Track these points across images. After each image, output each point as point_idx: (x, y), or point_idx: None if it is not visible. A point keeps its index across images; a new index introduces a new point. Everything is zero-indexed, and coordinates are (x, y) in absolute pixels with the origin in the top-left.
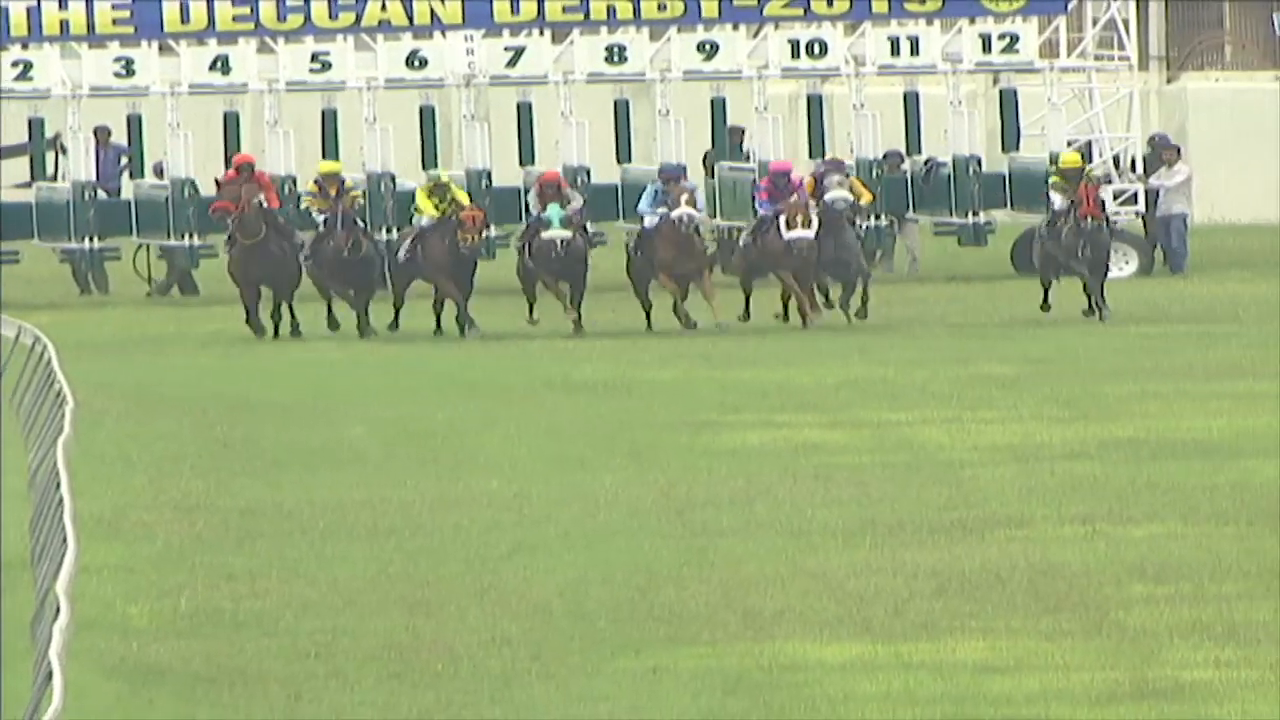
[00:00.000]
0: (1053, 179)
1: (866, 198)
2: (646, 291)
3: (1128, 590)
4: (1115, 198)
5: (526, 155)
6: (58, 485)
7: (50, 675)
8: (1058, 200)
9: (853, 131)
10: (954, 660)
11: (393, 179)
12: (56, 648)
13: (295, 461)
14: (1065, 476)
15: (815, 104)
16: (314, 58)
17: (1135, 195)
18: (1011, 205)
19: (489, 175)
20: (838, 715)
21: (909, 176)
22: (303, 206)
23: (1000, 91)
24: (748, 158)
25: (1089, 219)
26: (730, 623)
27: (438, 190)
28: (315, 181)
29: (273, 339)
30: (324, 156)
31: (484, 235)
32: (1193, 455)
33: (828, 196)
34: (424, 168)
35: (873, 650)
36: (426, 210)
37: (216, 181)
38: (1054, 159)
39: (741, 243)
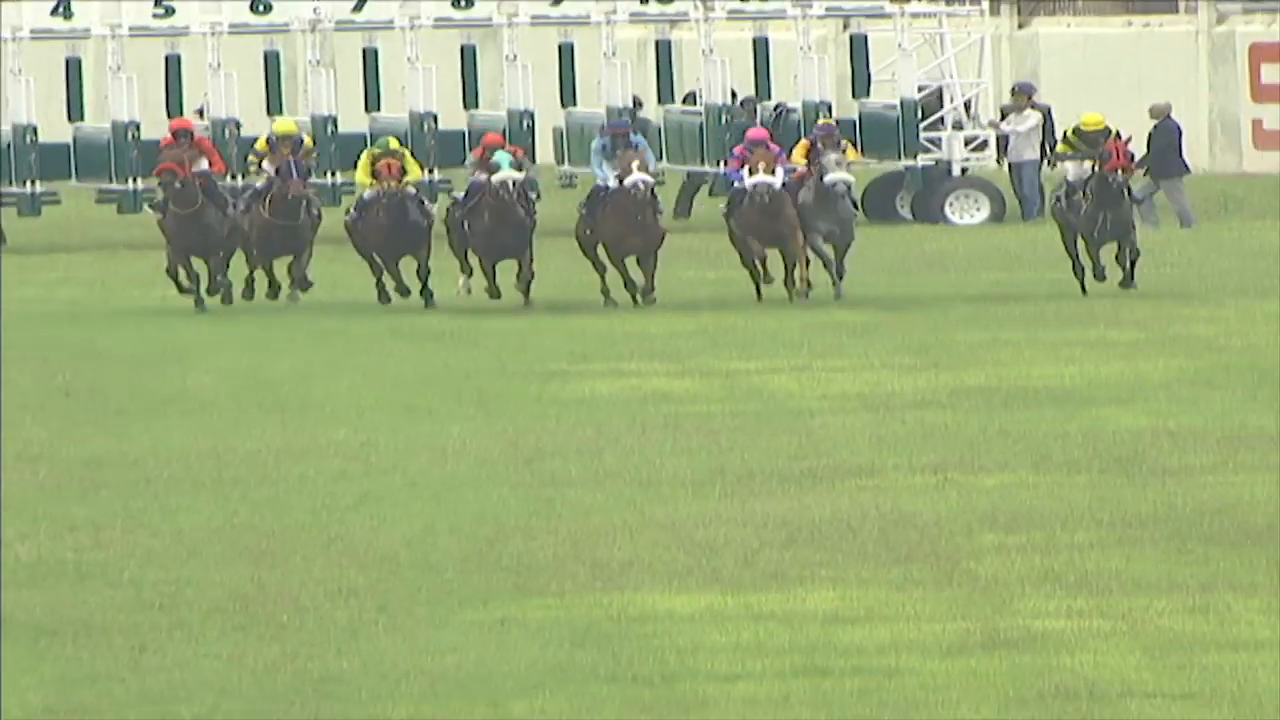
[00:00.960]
0: (1060, 147)
1: (854, 157)
2: (611, 261)
3: (979, 540)
4: (967, 144)
5: (372, 101)
6: None
7: None
8: (1071, 169)
9: (701, 77)
10: (804, 610)
11: (237, 125)
12: None
13: (141, 410)
14: (916, 425)
15: (664, 49)
16: (158, 2)
17: (985, 142)
18: (863, 151)
19: (334, 121)
20: (686, 666)
21: (759, 122)
22: (249, 163)
23: (850, 37)
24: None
25: (1118, 173)
26: (579, 573)
27: (389, 159)
28: (267, 140)
29: (204, 309)
30: (168, 102)
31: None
32: (1044, 403)
33: (828, 179)
34: (269, 113)
35: (722, 601)
36: (363, 179)
37: (158, 146)
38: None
39: (723, 215)
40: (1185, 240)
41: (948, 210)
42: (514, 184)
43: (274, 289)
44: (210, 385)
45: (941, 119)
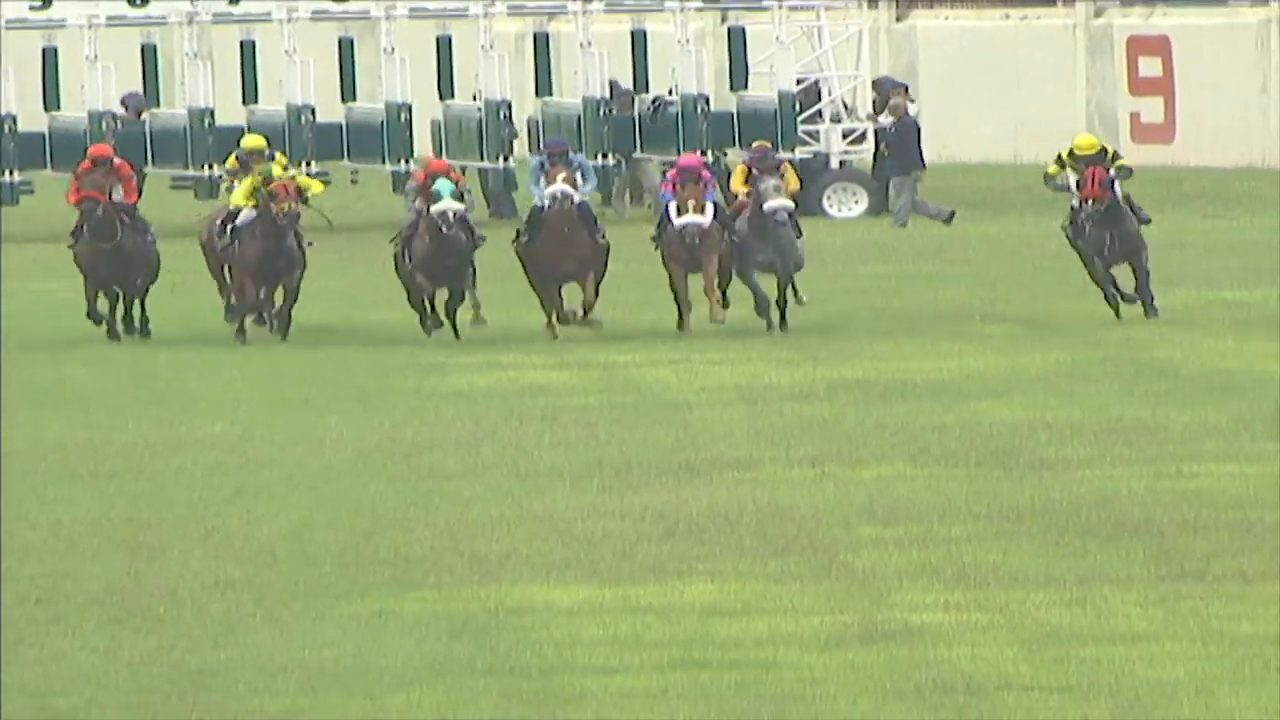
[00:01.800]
0: (1051, 168)
1: (795, 186)
2: (545, 287)
3: (856, 532)
4: (845, 137)
5: (250, 94)
6: None
7: None
8: (1075, 193)
9: (579, 70)
10: (682, 603)
11: (114, 117)
12: None
13: (18, 401)
14: (794, 418)
15: (542, 42)
16: None
17: (864, 135)
18: (740, 144)
19: (212, 114)
20: (564, 659)
21: (636, 115)
22: (222, 186)
23: (728, 29)
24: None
25: (1091, 203)
26: (456, 566)
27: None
28: (237, 157)
29: (118, 341)
30: (44, 94)
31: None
32: (922, 396)
33: (767, 206)
34: (145, 106)
35: (600, 593)
36: (241, 200)
37: (74, 175)
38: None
39: (652, 238)
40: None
41: (826, 203)
42: (454, 214)
43: (263, 319)
44: (88, 377)
45: (819, 112)
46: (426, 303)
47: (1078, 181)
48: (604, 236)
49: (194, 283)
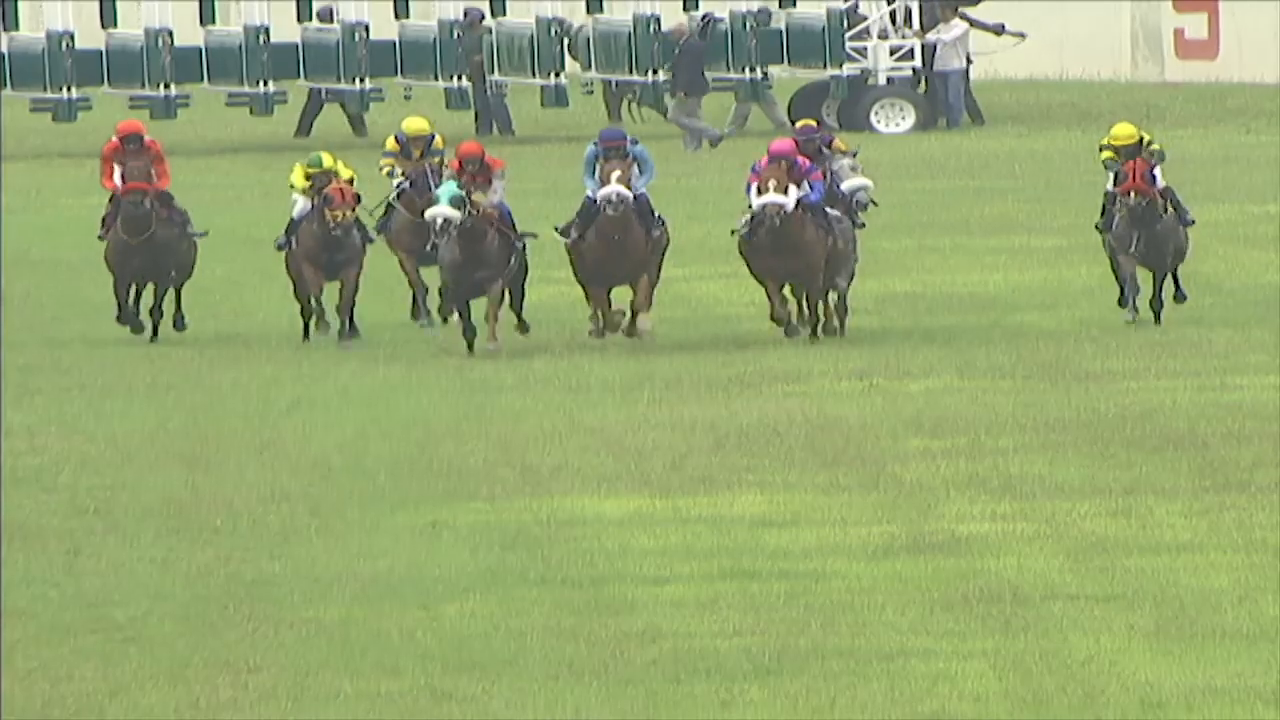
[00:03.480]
0: (1104, 155)
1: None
2: (593, 289)
3: (904, 444)
4: (892, 53)
5: (109, 18)
6: None
7: None
8: (1111, 181)
9: None
10: (732, 514)
11: (170, 34)
12: None
13: (75, 318)
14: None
15: None
16: None
17: (912, 51)
18: (788, 60)
19: (72, 37)
20: (615, 569)
21: (687, 35)
22: (381, 169)
23: None
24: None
25: (1132, 195)
26: (508, 478)
27: (320, 180)
28: (397, 139)
29: (154, 339)
30: (101, 12)
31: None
32: (969, 310)
33: (845, 186)
34: (201, 23)
35: (650, 504)
36: (299, 181)
37: (104, 155)
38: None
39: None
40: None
41: (873, 119)
42: (442, 222)
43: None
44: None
45: (867, 28)
46: (460, 309)
47: (1117, 174)
48: (662, 229)
49: (238, 201)
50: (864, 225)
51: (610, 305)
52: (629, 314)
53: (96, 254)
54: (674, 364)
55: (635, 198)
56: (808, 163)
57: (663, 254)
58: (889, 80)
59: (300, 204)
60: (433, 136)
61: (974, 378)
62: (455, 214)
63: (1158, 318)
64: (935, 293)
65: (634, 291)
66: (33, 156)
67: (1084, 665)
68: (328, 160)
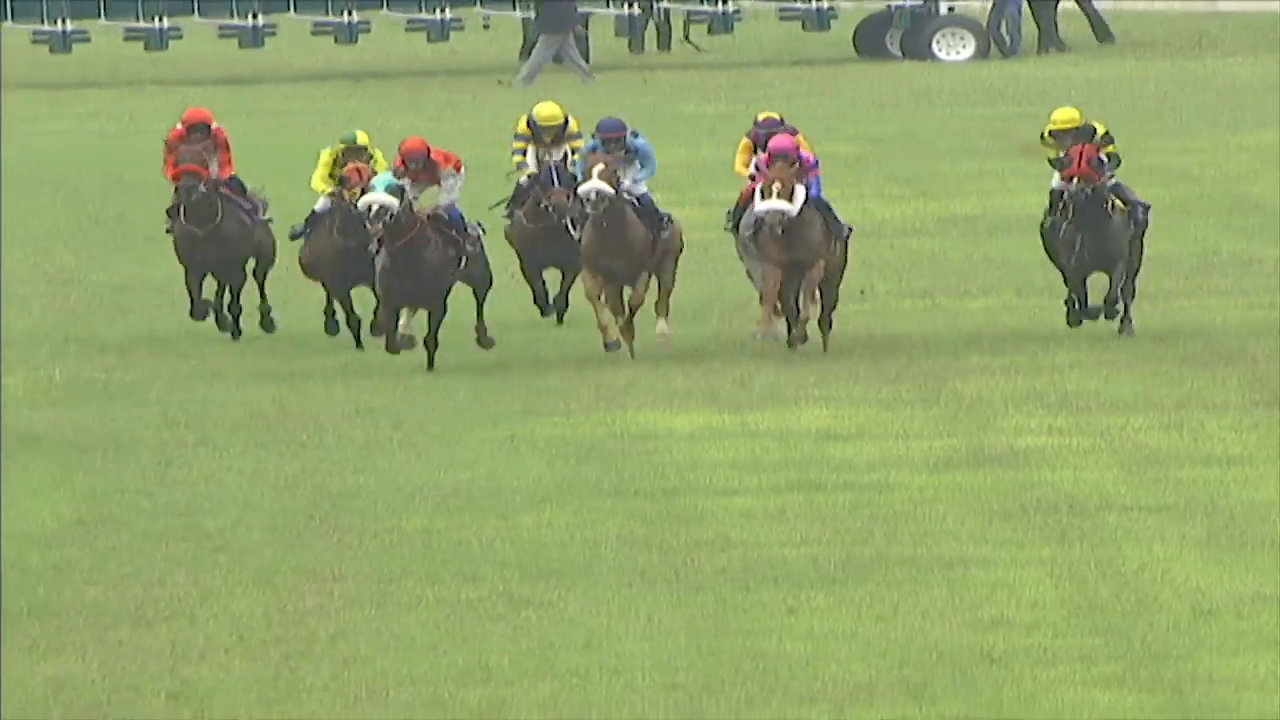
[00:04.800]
0: (1049, 153)
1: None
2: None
3: (965, 360)
4: None
5: None
6: None
7: None
8: (1055, 177)
9: None
10: (798, 428)
11: None
12: None
13: (166, 238)
14: (905, 251)
15: None
16: None
17: None
18: None
19: None
20: (686, 481)
21: None
22: (513, 159)
23: None
24: None
25: (1076, 183)
26: (583, 394)
27: (354, 157)
28: (529, 123)
29: (237, 337)
30: None
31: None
32: (1028, 231)
33: (759, 209)
34: None
35: (720, 419)
36: (319, 186)
37: (167, 143)
38: None
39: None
40: (1155, 75)
41: (935, 47)
42: (376, 209)
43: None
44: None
45: None
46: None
47: (1060, 160)
48: (671, 230)
49: (323, 126)
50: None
51: (615, 307)
52: (628, 309)
53: None
54: (742, 284)
55: (639, 198)
56: (811, 157)
57: (676, 256)
58: (950, 9)
59: (321, 202)
60: (566, 122)
61: (1031, 296)
62: (392, 201)
63: (1111, 313)
64: (994, 215)
65: (632, 289)
66: (125, 84)
67: (1137, 573)
68: (363, 138)
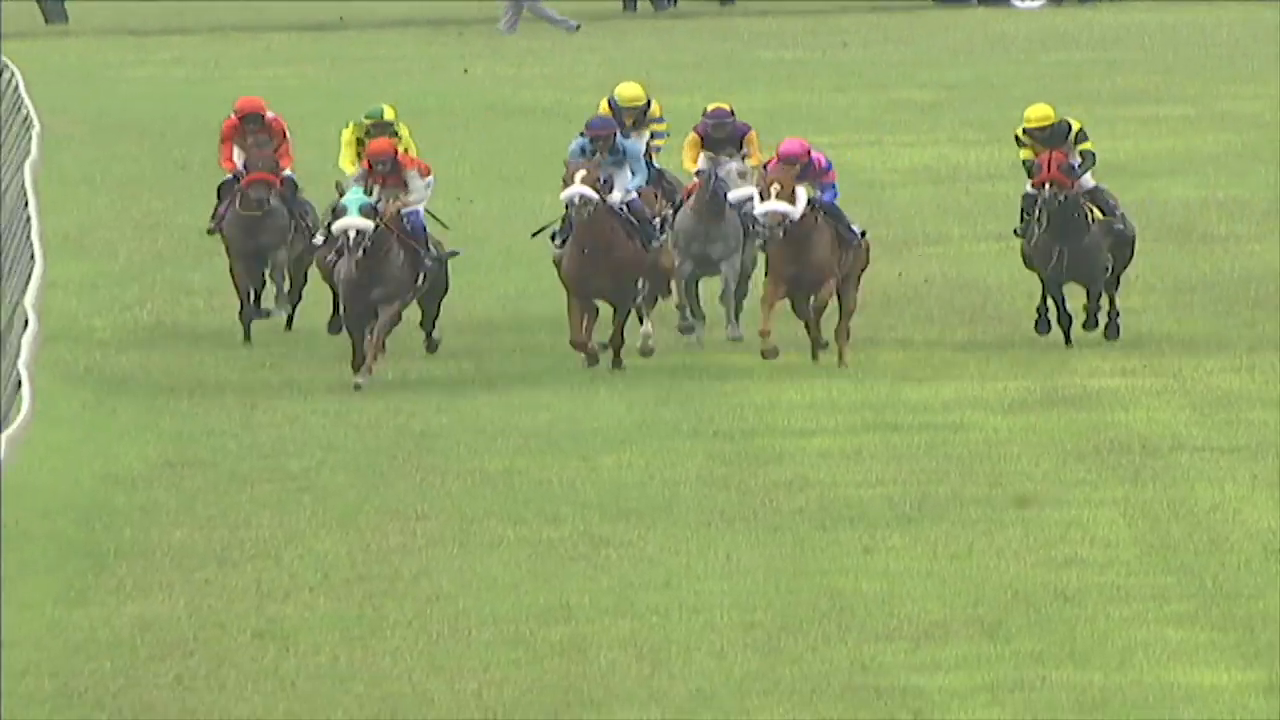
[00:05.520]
0: (1023, 156)
1: (757, 160)
2: (575, 302)
3: (1039, 302)
4: None
5: None
6: (25, 205)
7: (19, 384)
8: (1028, 182)
9: None
10: (874, 369)
11: None
12: (25, 358)
13: None
14: (980, 196)
15: None
16: None
17: None
18: None
19: None
20: (764, 422)
21: None
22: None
23: None
24: None
25: (1047, 189)
26: (663, 336)
27: (379, 134)
28: (610, 104)
29: (286, 327)
30: None
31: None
32: (1102, 175)
33: (733, 196)
34: None
35: (798, 360)
36: (348, 167)
37: (223, 135)
38: None
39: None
40: (1228, 22)
41: None
42: (355, 235)
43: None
44: (316, 158)
45: None
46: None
47: (1029, 166)
48: (662, 242)
49: (406, 74)
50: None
51: (591, 323)
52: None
53: None
54: None
55: (628, 204)
56: (823, 160)
57: (661, 270)
58: None
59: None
60: (648, 104)
61: None
62: (367, 224)
63: (1092, 324)
64: None
65: (614, 310)
66: (210, 30)
67: (1209, 513)
68: (389, 113)
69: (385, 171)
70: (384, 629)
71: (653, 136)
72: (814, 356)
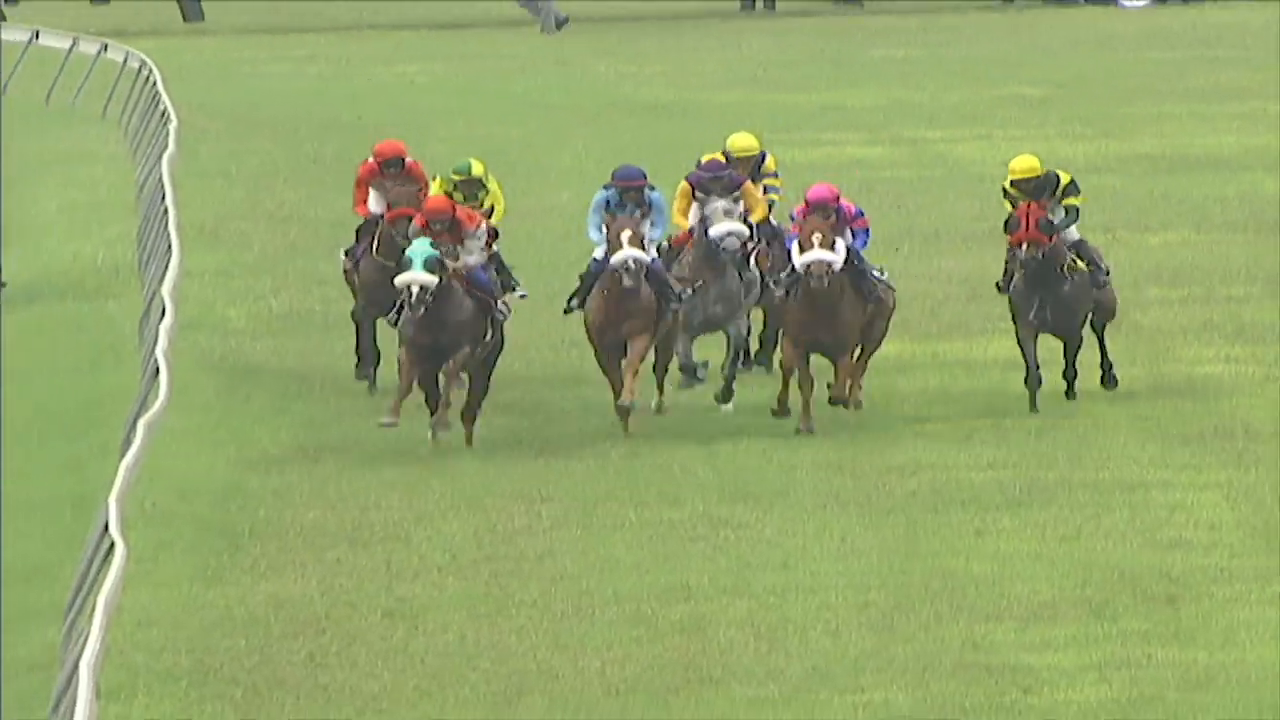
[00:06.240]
0: (1007, 205)
1: (760, 214)
2: (604, 355)
3: (1145, 293)
4: None
5: None
6: (163, 197)
7: (157, 371)
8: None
9: None
10: (985, 358)
11: None
12: (162, 346)
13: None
14: (1087, 188)
15: None
16: None
17: None
18: None
19: None
20: (878, 408)
21: None
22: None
23: None
24: None
25: (1025, 249)
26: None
27: (467, 190)
28: (725, 155)
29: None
30: None
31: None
32: (1204, 169)
33: (714, 231)
34: None
35: (910, 349)
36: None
37: (359, 180)
38: None
39: (776, 296)
40: None
41: None
42: (422, 291)
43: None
44: (445, 152)
45: None
46: (425, 390)
47: (1008, 222)
48: (680, 305)
49: (531, 68)
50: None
51: (624, 376)
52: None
53: (401, 117)
54: (932, 219)
55: (650, 263)
56: (852, 208)
57: (677, 317)
58: None
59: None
60: (763, 156)
61: (1209, 231)
62: (430, 279)
63: (1070, 390)
64: (1173, 154)
65: (626, 351)
66: (342, 29)
67: None
68: (478, 168)
69: (442, 228)
70: (510, 608)
71: (765, 190)
72: (844, 403)
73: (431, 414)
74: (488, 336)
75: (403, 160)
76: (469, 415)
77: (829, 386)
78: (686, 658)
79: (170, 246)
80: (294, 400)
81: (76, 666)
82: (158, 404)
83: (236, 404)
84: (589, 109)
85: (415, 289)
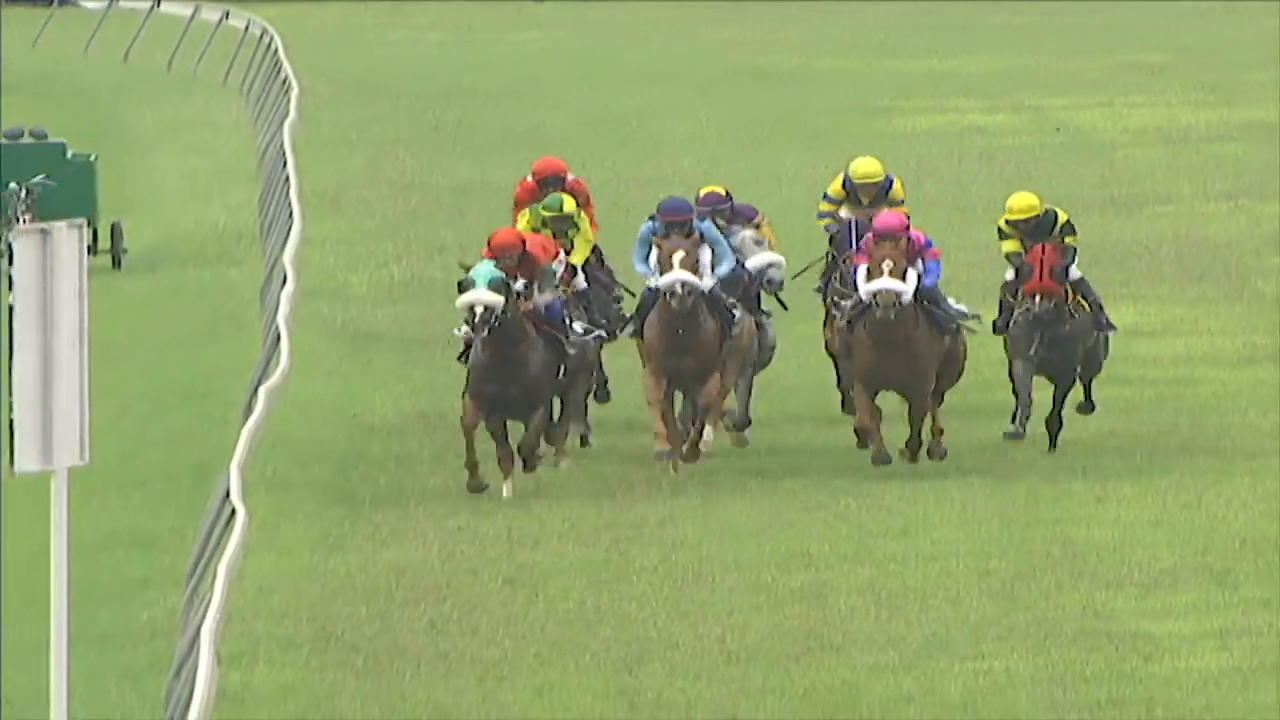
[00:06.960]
0: (1006, 249)
1: (770, 234)
2: (657, 388)
3: (1267, 261)
4: None
5: None
6: (284, 165)
7: (279, 338)
8: (1010, 270)
9: None
10: None
11: None
12: (284, 313)
13: (503, 142)
14: (1210, 156)
15: None
16: None
17: None
18: None
19: None
20: (998, 377)
21: None
22: (819, 220)
23: None
24: None
25: (1038, 300)
26: None
27: (556, 226)
28: (844, 184)
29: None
30: None
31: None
32: None
33: (751, 264)
34: None
35: None
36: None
37: (516, 200)
38: None
39: (839, 328)
40: None
41: None
42: (486, 311)
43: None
44: (564, 120)
45: None
46: (493, 432)
47: (1020, 269)
48: (741, 327)
49: (650, 36)
50: (965, 324)
51: (675, 416)
52: (695, 432)
53: (521, 84)
54: (1054, 186)
55: (708, 291)
56: (922, 238)
57: (743, 353)
58: None
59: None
60: (890, 182)
61: None
62: (496, 299)
63: (1053, 441)
64: None
65: (696, 394)
66: None
67: None
68: (569, 205)
69: (513, 264)
70: (630, 575)
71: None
72: (914, 458)
73: (505, 475)
74: (560, 375)
75: (563, 179)
76: (530, 446)
77: (905, 445)
78: (807, 625)
79: (291, 214)
80: (415, 367)
81: (198, 633)
82: (279, 371)
83: (357, 371)
84: (708, 76)
85: (479, 309)
